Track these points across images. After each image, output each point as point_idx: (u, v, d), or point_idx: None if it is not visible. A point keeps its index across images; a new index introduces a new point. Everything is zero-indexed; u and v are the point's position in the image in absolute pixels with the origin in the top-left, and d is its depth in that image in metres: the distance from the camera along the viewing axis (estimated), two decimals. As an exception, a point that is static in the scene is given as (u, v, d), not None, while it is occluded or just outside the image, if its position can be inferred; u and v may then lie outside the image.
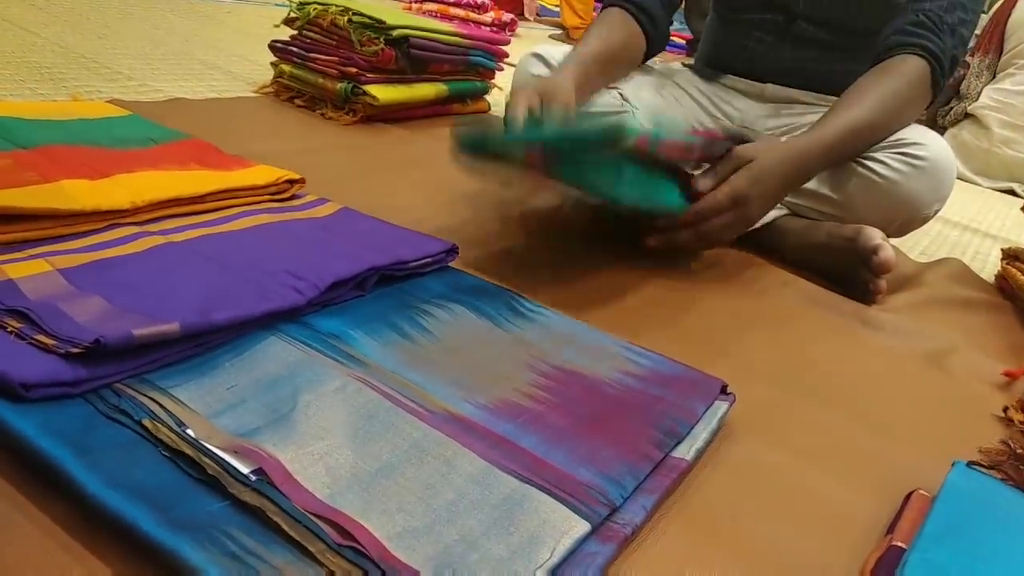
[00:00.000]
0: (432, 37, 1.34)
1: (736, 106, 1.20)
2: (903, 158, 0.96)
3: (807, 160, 0.90)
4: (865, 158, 0.98)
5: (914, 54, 0.96)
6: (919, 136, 0.98)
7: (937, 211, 1.01)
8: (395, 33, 1.24)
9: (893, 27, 1.00)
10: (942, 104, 2.32)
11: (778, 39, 1.15)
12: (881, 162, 0.97)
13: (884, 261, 0.93)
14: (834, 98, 1.14)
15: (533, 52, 1.16)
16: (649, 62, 1.24)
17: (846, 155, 0.95)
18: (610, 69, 1.07)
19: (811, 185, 1.02)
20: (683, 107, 1.21)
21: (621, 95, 1.13)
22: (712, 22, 1.27)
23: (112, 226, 0.63)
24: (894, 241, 1.09)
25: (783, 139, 0.91)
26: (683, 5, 1.25)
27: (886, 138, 0.97)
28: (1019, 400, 0.73)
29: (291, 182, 0.74)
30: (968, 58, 2.31)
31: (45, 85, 1.09)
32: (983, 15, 2.40)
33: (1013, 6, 2.20)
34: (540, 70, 1.13)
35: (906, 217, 0.99)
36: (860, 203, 0.99)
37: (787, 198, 1.04)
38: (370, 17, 1.24)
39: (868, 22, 1.06)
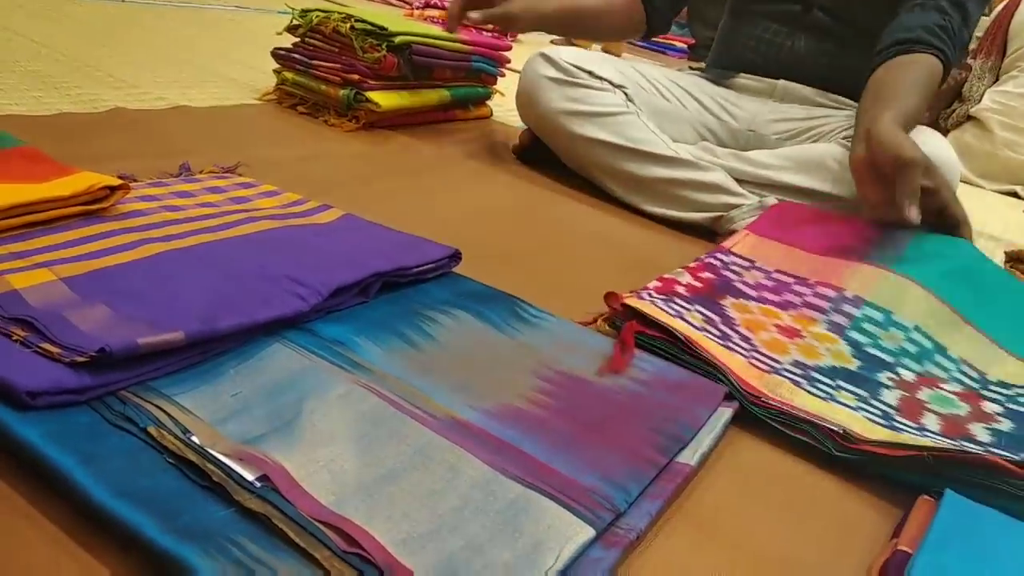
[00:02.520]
0: (434, 44, 1.34)
1: (744, 107, 1.20)
2: None
3: (902, 118, 0.89)
4: None
5: (935, 56, 0.98)
6: (921, 137, 0.98)
7: None
8: (397, 40, 1.25)
9: (919, 20, 1.00)
10: (944, 106, 2.32)
11: (792, 29, 1.16)
12: None
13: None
14: (843, 98, 1.14)
15: (541, 53, 1.17)
16: (655, 66, 1.25)
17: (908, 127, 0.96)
18: (591, 19, 1.20)
19: (821, 186, 1.01)
20: (688, 110, 1.21)
21: (626, 95, 1.13)
22: (725, 24, 1.27)
23: (113, 232, 0.63)
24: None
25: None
26: (687, 11, 1.29)
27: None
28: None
29: (112, 188, 0.69)
30: (970, 60, 2.31)
31: (49, 94, 1.09)
32: (984, 18, 2.40)
33: (1016, 9, 2.20)
34: (549, 71, 1.14)
35: None
36: None
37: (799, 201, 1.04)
38: (372, 24, 1.24)
39: (883, 19, 1.07)
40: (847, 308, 0.78)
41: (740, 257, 0.86)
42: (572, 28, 1.25)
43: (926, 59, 0.97)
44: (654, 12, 1.25)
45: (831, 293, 0.80)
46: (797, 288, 0.82)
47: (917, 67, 0.97)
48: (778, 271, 0.84)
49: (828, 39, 1.14)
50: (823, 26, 1.13)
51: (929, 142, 0.97)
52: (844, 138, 1.07)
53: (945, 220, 0.90)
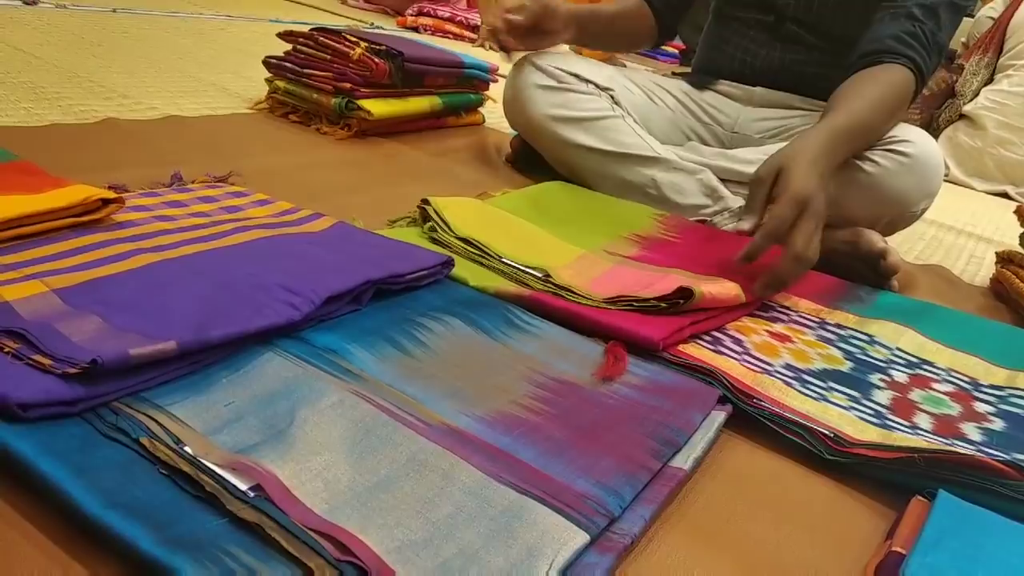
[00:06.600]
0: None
1: (726, 112, 1.21)
2: (889, 154, 0.97)
3: (834, 138, 0.86)
4: None
5: (905, 66, 0.97)
6: (905, 133, 0.98)
7: (924, 209, 1.01)
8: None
9: (888, 30, 1.00)
10: (937, 106, 2.33)
11: (769, 39, 1.16)
12: (868, 159, 0.97)
13: (893, 264, 0.94)
14: (820, 102, 1.14)
15: (527, 58, 1.18)
16: (642, 71, 1.25)
17: (852, 147, 0.93)
18: (614, 31, 1.22)
19: None
20: (673, 112, 1.22)
21: (612, 97, 1.14)
22: (709, 27, 1.28)
23: (105, 243, 0.63)
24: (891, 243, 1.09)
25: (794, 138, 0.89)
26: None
27: (876, 140, 0.98)
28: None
29: (106, 201, 0.67)
30: (963, 61, 2.32)
31: (40, 104, 1.09)
32: (969, 18, 2.41)
33: (1018, 7, 2.21)
34: (536, 77, 1.14)
35: (894, 214, 0.99)
36: (847, 199, 0.98)
37: None
38: None
39: (855, 28, 1.07)
40: (831, 329, 0.80)
41: None
42: (595, 35, 1.25)
43: (892, 70, 0.97)
44: (666, 12, 1.27)
45: (813, 320, 0.82)
46: (782, 310, 0.83)
47: (877, 81, 0.96)
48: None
49: (802, 49, 1.15)
50: (797, 37, 1.14)
51: (914, 139, 0.97)
52: None
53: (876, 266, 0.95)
